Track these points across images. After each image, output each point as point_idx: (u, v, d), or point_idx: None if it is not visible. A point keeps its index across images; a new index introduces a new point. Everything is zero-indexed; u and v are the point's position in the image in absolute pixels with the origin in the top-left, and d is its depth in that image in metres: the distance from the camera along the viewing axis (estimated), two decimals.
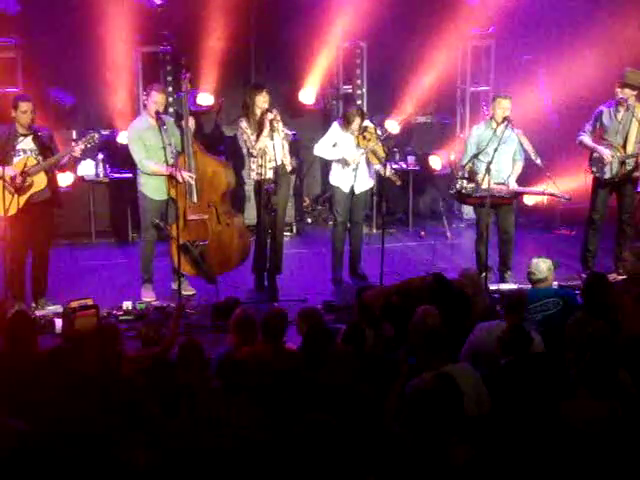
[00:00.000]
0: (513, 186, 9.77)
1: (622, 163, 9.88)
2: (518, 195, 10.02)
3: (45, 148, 8.98)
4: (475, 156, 9.71)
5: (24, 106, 8.84)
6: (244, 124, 9.55)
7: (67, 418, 5.14)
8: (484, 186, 9.46)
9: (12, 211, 8.78)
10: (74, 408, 5.28)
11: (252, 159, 9.62)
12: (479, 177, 9.59)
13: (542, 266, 7.83)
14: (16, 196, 8.77)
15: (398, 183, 9.91)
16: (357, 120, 9.73)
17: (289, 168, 9.95)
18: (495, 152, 9.45)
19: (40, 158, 8.90)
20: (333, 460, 4.32)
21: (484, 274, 9.23)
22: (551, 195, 9.93)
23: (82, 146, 8.96)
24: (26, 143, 8.90)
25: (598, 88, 10.94)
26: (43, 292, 9.37)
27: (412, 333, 6.40)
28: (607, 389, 5.24)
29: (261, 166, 9.50)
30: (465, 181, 9.75)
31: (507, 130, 9.64)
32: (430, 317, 6.50)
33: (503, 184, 9.68)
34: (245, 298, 9.39)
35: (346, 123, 9.78)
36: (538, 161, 9.68)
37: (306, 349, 6.29)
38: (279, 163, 9.54)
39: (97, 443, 4.86)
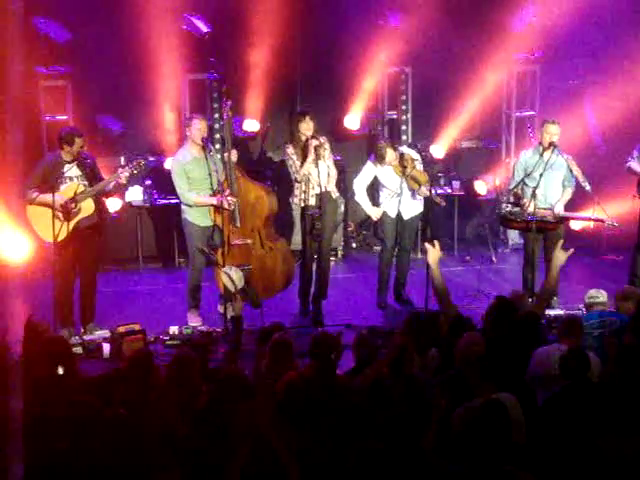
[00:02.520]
0: (559, 211, 9.72)
1: None
2: (564, 220, 9.94)
3: (90, 174, 9.11)
4: (522, 181, 9.69)
5: (80, 142, 8.98)
6: (290, 150, 9.63)
7: (104, 441, 5.17)
8: (530, 210, 9.44)
9: (61, 237, 8.90)
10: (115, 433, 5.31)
11: (297, 184, 9.69)
12: (524, 202, 9.56)
13: (601, 293, 7.89)
14: (65, 222, 8.89)
15: (443, 204, 9.98)
16: (389, 152, 9.80)
17: (335, 195, 9.97)
18: (541, 177, 9.45)
19: (86, 184, 9.03)
20: None
21: (531, 299, 9.17)
22: (599, 221, 9.86)
23: (128, 172, 9.06)
24: (72, 170, 9.02)
25: None
26: (92, 318, 9.47)
27: (458, 360, 6.36)
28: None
29: (305, 192, 9.57)
30: (510, 205, 9.73)
31: (555, 155, 9.61)
32: (476, 344, 6.46)
33: (550, 209, 9.65)
34: (290, 323, 9.41)
35: (379, 158, 9.84)
36: (587, 187, 9.62)
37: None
38: (323, 190, 9.59)
39: (131, 466, 4.90)
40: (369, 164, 10.03)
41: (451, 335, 6.82)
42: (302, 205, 9.68)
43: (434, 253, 7.49)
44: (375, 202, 10.22)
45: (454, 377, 6.07)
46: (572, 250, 7.44)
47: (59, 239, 8.90)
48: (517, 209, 9.66)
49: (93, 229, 9.23)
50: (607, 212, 9.69)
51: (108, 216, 9.93)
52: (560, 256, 7.43)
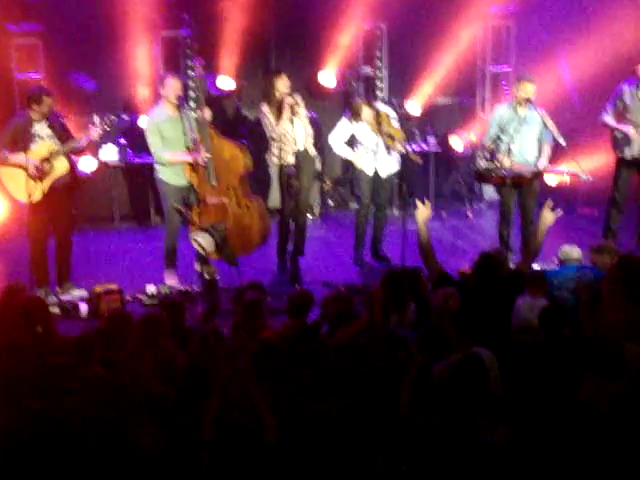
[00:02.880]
0: (544, 166, 9.76)
1: None
2: (540, 175, 9.96)
3: (61, 133, 9.03)
4: (497, 136, 9.72)
5: (48, 101, 8.88)
6: (265, 108, 9.58)
7: (81, 401, 5.20)
8: (505, 165, 9.47)
9: (37, 197, 8.85)
10: (92, 392, 5.34)
11: (273, 143, 9.66)
12: (499, 157, 9.59)
13: (575, 250, 7.94)
14: (39, 182, 8.84)
15: (419, 162, 9.94)
16: (365, 109, 9.78)
17: (312, 153, 9.94)
18: (516, 133, 9.48)
19: (58, 143, 8.96)
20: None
21: (507, 255, 9.23)
22: (573, 175, 9.92)
23: (100, 129, 8.99)
24: (41, 128, 8.92)
25: (618, 67, 10.89)
26: (68, 277, 9.44)
27: (434, 315, 6.41)
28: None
29: (281, 150, 9.55)
30: (486, 161, 9.75)
31: (530, 111, 9.62)
32: (452, 299, 6.50)
33: (525, 165, 9.68)
34: (268, 281, 9.43)
35: (355, 115, 9.82)
36: (561, 141, 9.61)
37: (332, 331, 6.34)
38: (301, 148, 9.58)
39: (108, 424, 4.93)
40: (344, 120, 9.99)
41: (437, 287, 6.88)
42: (280, 163, 9.65)
43: (424, 212, 7.47)
44: (350, 160, 10.20)
45: (432, 332, 6.11)
46: (560, 211, 7.43)
47: (34, 199, 8.86)
48: (493, 165, 9.68)
49: (67, 188, 9.17)
50: (582, 166, 9.71)
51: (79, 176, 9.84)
52: (548, 216, 7.42)
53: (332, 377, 5.54)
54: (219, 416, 4.96)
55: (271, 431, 4.85)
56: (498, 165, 9.59)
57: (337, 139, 10.01)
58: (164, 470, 4.84)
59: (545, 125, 9.62)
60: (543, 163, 9.73)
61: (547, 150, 9.77)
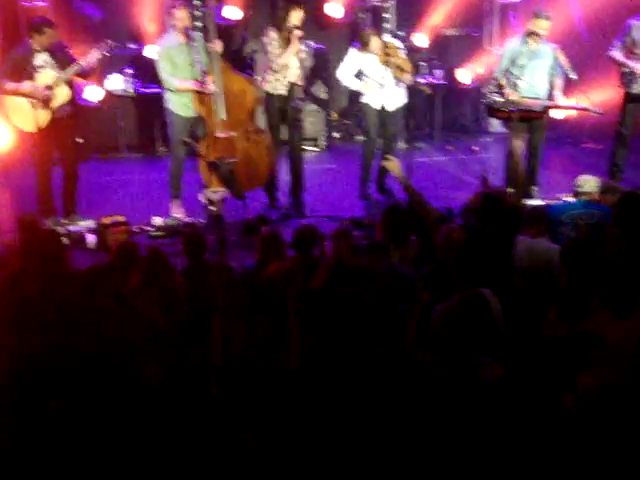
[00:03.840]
0: (562, 100, 9.76)
1: None
2: (549, 109, 9.95)
3: (62, 61, 8.98)
4: (507, 70, 9.71)
5: (50, 32, 8.82)
6: (273, 34, 9.50)
7: (88, 335, 5.29)
8: (513, 99, 9.48)
9: (42, 125, 8.87)
10: (96, 326, 5.43)
11: (270, 71, 9.62)
12: (506, 91, 9.58)
13: (591, 182, 7.79)
14: (44, 110, 8.86)
15: (429, 92, 9.89)
16: (374, 39, 9.70)
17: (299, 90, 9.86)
18: (525, 67, 9.49)
19: (59, 70, 8.94)
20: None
21: (511, 189, 9.27)
22: (583, 109, 9.91)
23: (99, 54, 8.97)
24: (42, 58, 8.88)
25: (627, 1, 10.81)
26: (74, 208, 9.49)
27: (439, 253, 6.45)
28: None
29: (278, 80, 9.54)
30: (495, 94, 9.74)
31: (541, 45, 9.59)
32: (455, 233, 6.54)
33: (537, 99, 9.67)
34: (273, 215, 9.48)
35: (364, 45, 9.75)
36: (573, 76, 9.59)
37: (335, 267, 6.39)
38: (293, 80, 9.58)
39: (112, 356, 5.03)
40: (353, 51, 9.93)
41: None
42: (272, 93, 9.64)
43: (394, 166, 7.53)
44: (357, 93, 10.16)
45: (436, 270, 6.15)
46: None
47: (41, 127, 8.87)
48: (502, 99, 9.67)
49: (69, 117, 9.17)
50: (591, 101, 9.73)
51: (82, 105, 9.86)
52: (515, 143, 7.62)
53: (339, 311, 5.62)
54: (229, 343, 5.08)
55: (295, 356, 4.96)
56: (508, 99, 9.59)
57: (345, 71, 9.96)
58: (172, 398, 4.95)
59: (556, 59, 9.60)
60: (558, 97, 9.73)
61: (559, 84, 9.75)
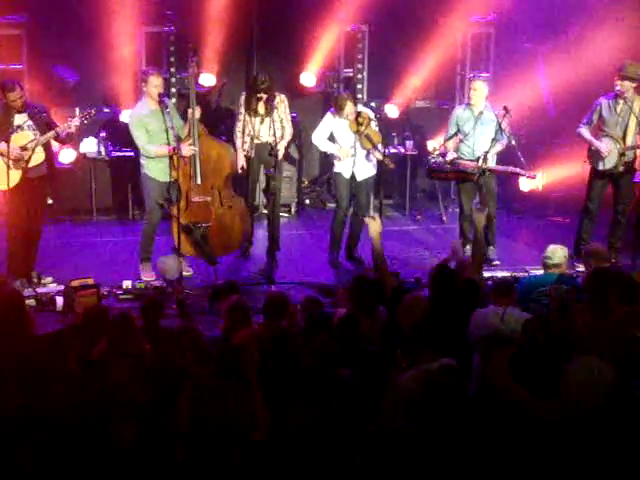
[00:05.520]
0: (490, 164, 10.05)
1: (621, 155, 10.01)
2: (485, 172, 10.03)
3: (42, 124, 9.07)
4: (455, 135, 10.20)
5: (12, 96, 8.89)
6: (243, 98, 10.03)
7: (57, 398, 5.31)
8: (449, 158, 10.08)
9: (12, 184, 8.94)
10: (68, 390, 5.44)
11: (238, 135, 10.04)
12: (450, 155, 10.12)
13: (559, 252, 7.92)
14: (15, 170, 8.93)
15: (391, 166, 10.00)
16: (349, 104, 9.82)
17: (280, 154, 10.05)
18: (470, 133, 10.10)
19: (37, 133, 9.01)
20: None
21: (467, 247, 9.47)
22: (516, 174, 10.32)
23: (78, 122, 9.07)
24: (21, 119, 8.98)
25: (596, 78, 11.05)
26: (33, 266, 9.45)
27: (401, 321, 6.54)
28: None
29: (244, 142, 9.96)
30: (436, 157, 10.22)
31: (486, 111, 10.04)
32: (417, 304, 6.64)
33: (474, 160, 10.03)
34: (243, 281, 9.54)
35: (338, 109, 9.88)
36: (512, 141, 9.97)
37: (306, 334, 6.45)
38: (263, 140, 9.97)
39: (84, 420, 5.05)
40: (328, 115, 10.10)
41: (394, 300, 7.00)
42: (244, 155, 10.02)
43: (375, 226, 7.68)
44: (329, 161, 10.32)
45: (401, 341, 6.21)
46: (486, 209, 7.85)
47: (9, 186, 8.95)
48: (441, 159, 10.14)
49: (42, 179, 9.23)
50: (533, 169, 10.34)
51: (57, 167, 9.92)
52: (477, 217, 7.83)
53: (304, 380, 5.67)
54: (197, 410, 5.11)
55: (263, 428, 4.99)
56: (445, 161, 10.10)
57: (319, 135, 10.12)
58: (141, 462, 4.97)
59: (499, 125, 9.87)
60: (490, 160, 10.07)
61: (495, 149, 10.07)
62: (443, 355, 5.55)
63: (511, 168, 10.14)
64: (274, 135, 9.87)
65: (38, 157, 9.06)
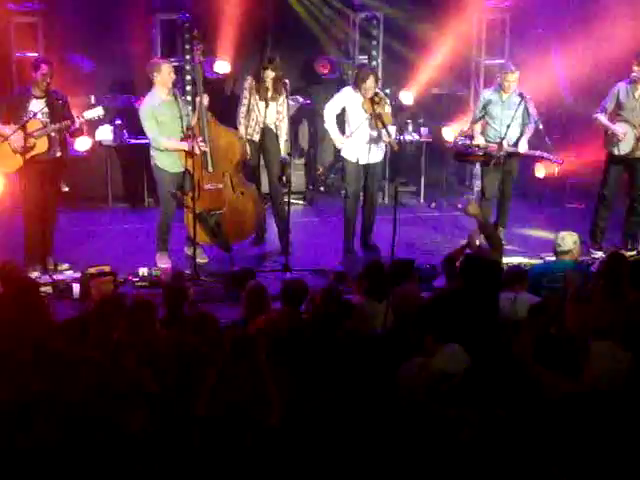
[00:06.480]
0: (523, 149, 10.11)
1: (638, 140, 9.98)
2: (511, 156, 10.20)
3: (57, 113, 9.11)
4: (482, 117, 10.28)
5: (45, 68, 8.98)
6: (249, 83, 10.08)
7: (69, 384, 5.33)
8: (479, 143, 10.16)
9: (14, 168, 9.08)
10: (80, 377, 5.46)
11: (241, 120, 10.10)
12: (477, 138, 10.22)
13: (568, 239, 7.92)
14: (18, 155, 9.00)
15: (395, 148, 9.97)
16: (371, 78, 9.72)
17: (281, 139, 10.18)
18: (497, 116, 10.16)
19: (48, 121, 9.05)
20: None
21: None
22: (543, 158, 10.46)
23: (85, 119, 9.21)
24: (37, 105, 9.03)
25: (611, 64, 11.01)
26: (50, 252, 9.54)
27: (396, 312, 6.56)
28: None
29: (247, 127, 10.04)
30: (464, 140, 10.32)
31: (513, 96, 10.07)
32: (412, 294, 6.68)
33: (501, 144, 10.06)
34: (258, 267, 9.56)
35: (360, 81, 9.76)
36: (540, 126, 10.00)
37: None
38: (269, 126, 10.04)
39: (96, 408, 5.07)
40: (347, 89, 10.08)
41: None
42: (247, 139, 10.04)
43: (474, 207, 7.99)
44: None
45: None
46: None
47: (11, 170, 9.12)
48: (467, 142, 10.27)
49: (51, 163, 9.26)
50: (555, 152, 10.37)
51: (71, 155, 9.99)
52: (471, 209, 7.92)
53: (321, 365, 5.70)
54: (215, 394, 5.13)
55: (276, 414, 5.01)
56: (472, 144, 10.17)
57: (331, 108, 10.09)
58: (156, 449, 4.99)
59: (527, 109, 9.87)
60: (523, 144, 10.10)
61: (527, 132, 10.14)
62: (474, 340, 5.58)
63: (538, 152, 10.25)
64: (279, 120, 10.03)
65: (41, 146, 9.07)
